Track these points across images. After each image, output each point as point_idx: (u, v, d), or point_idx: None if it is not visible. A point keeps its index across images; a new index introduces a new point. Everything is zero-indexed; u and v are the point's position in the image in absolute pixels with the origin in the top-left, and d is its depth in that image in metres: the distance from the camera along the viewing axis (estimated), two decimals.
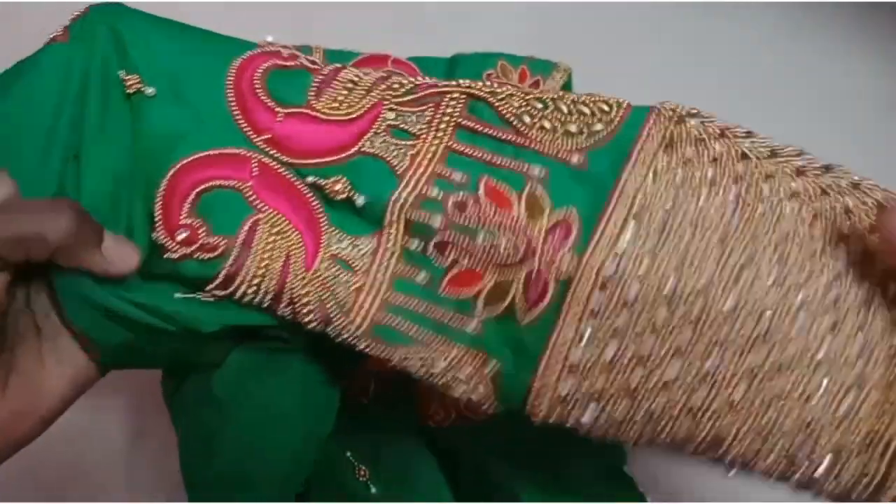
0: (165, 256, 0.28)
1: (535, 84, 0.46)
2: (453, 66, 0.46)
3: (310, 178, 0.30)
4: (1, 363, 0.26)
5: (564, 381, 0.27)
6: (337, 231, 0.30)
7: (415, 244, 0.30)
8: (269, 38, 0.48)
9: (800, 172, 0.26)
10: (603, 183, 0.27)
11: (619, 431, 0.28)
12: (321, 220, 0.30)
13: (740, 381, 0.26)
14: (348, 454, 0.38)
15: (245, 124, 0.29)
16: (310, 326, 0.29)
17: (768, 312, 0.25)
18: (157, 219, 0.28)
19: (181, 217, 0.28)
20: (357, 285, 0.29)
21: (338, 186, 0.29)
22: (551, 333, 0.27)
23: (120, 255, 0.27)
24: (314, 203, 0.30)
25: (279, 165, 0.30)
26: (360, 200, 0.29)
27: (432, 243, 0.29)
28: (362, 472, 0.38)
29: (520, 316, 0.28)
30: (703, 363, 0.26)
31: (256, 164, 0.29)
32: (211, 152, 0.29)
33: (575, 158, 0.28)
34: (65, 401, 0.28)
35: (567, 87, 0.46)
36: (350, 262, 0.30)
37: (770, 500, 0.49)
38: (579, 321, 0.27)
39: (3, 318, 0.26)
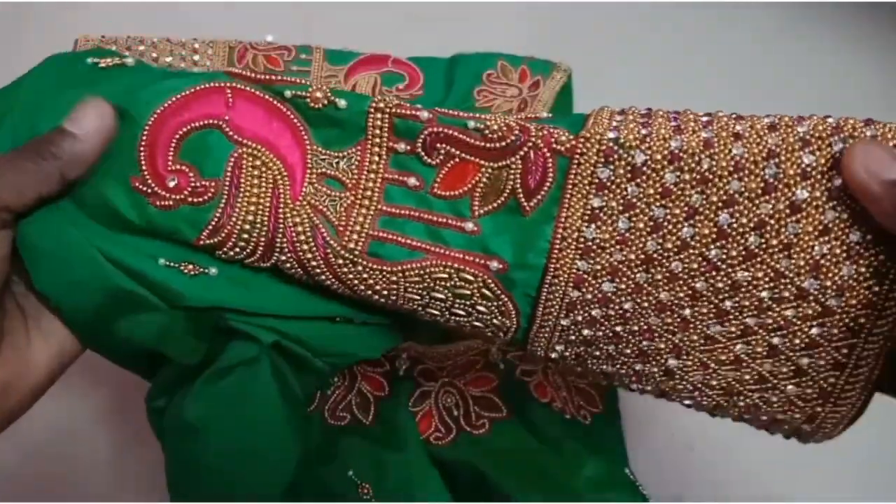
0: (158, 205, 0.28)
1: (535, 84, 0.46)
2: (453, 66, 0.46)
3: (288, 93, 0.29)
4: None
5: (580, 260, 0.27)
6: (321, 149, 0.29)
7: (402, 146, 0.28)
8: (270, 38, 0.48)
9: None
10: (578, 117, 0.28)
11: (634, 306, 0.27)
12: (304, 138, 0.29)
13: (752, 233, 0.26)
14: (350, 473, 0.38)
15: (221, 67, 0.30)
16: (310, 261, 0.29)
17: (773, 160, 0.25)
18: (143, 170, 0.28)
19: (168, 164, 0.28)
20: (348, 202, 0.29)
21: (318, 94, 0.28)
22: (559, 215, 0.27)
23: (86, 125, 0.27)
24: (295, 121, 0.29)
25: (255, 88, 0.29)
26: (342, 103, 0.28)
27: (420, 140, 0.28)
28: (365, 490, 0.38)
29: (521, 205, 0.28)
30: (718, 218, 0.26)
31: (230, 92, 0.29)
32: (185, 93, 0.28)
33: (544, 114, 0.31)
34: (52, 375, 0.29)
35: (567, 87, 0.46)
36: (338, 177, 0.29)
37: (772, 500, 0.49)
38: (587, 196, 0.27)
39: (6, 288, 0.27)
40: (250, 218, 0.28)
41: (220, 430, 0.29)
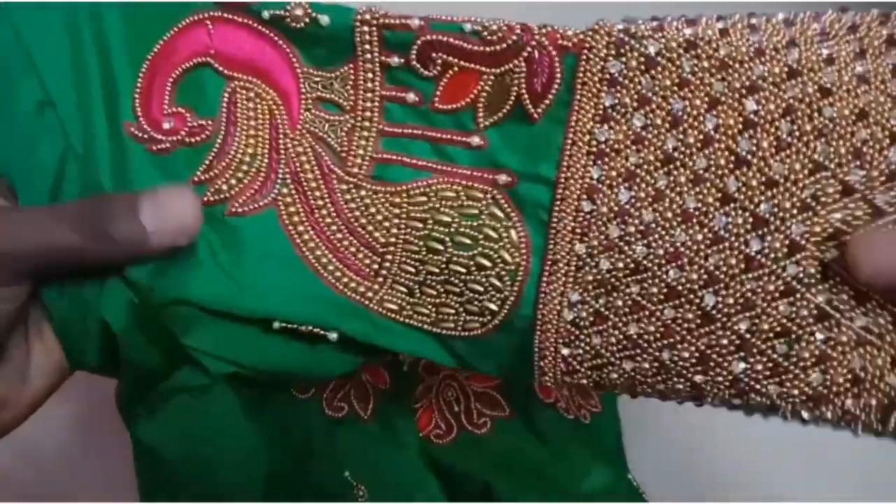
0: (155, 149, 0.27)
1: None
2: None
3: (266, 13, 0.27)
4: None
5: (592, 167, 0.25)
6: (312, 70, 0.28)
7: (395, 59, 0.27)
8: None
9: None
10: None
11: (657, 218, 0.25)
12: (294, 61, 0.28)
13: (782, 119, 0.24)
14: (346, 474, 0.37)
15: None
16: (314, 191, 0.27)
17: (794, 49, 0.24)
18: (138, 116, 0.27)
19: (164, 109, 0.27)
20: (348, 126, 0.28)
21: (298, 11, 0.27)
22: (569, 119, 0.25)
23: (171, 224, 0.24)
24: (281, 43, 0.27)
25: (233, 13, 0.27)
26: (324, 19, 0.26)
27: (414, 51, 0.26)
28: (361, 492, 0.37)
29: (528, 112, 0.26)
30: (744, 107, 0.24)
31: (210, 22, 0.27)
32: (170, 34, 0.27)
33: None
34: (50, 389, 0.28)
35: None
36: (334, 100, 0.28)
37: (772, 500, 0.49)
38: (598, 95, 0.25)
39: (16, 324, 0.25)
40: (250, 151, 0.27)
41: (178, 451, 0.28)
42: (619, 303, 0.26)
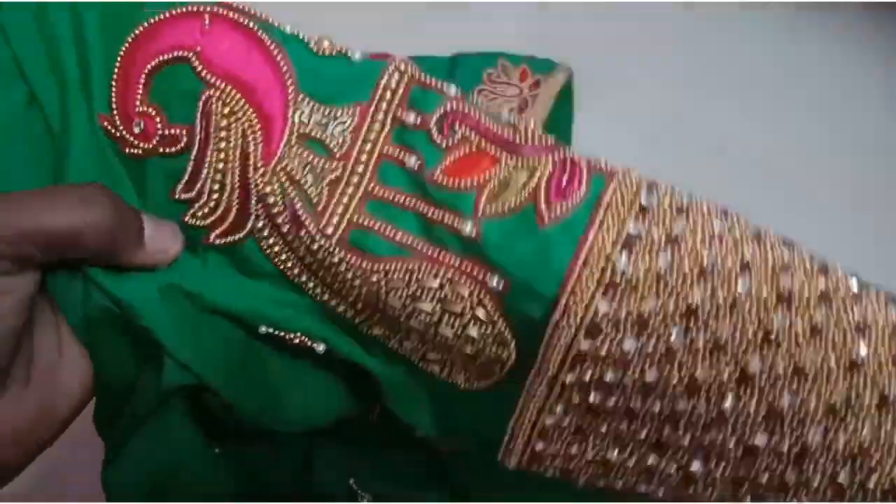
0: (128, 153, 0.25)
1: (535, 84, 0.46)
2: (454, 66, 0.46)
3: (289, 28, 0.25)
4: (23, 354, 0.23)
5: (602, 299, 0.21)
6: (308, 99, 0.24)
7: (412, 117, 0.24)
8: None
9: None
10: None
11: (659, 381, 0.22)
12: (288, 83, 0.24)
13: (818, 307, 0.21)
14: (351, 481, 0.35)
15: None
16: (288, 233, 0.24)
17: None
18: (114, 108, 0.24)
19: (136, 105, 0.24)
20: (332, 176, 0.24)
21: (326, 42, 0.25)
22: (585, 234, 0.22)
23: (161, 244, 0.24)
24: (280, 59, 0.24)
25: (239, 15, 0.25)
26: (356, 55, 0.24)
27: (438, 113, 0.24)
28: (367, 498, 0.36)
29: (539, 212, 0.22)
30: (779, 281, 0.21)
31: (209, 17, 0.24)
32: (159, 18, 0.24)
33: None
34: (88, 391, 0.25)
35: (568, 86, 0.46)
36: (325, 141, 0.24)
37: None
38: (624, 221, 0.22)
39: (29, 326, 0.23)
40: (219, 177, 0.24)
41: (145, 490, 0.27)
42: (604, 430, 0.24)
